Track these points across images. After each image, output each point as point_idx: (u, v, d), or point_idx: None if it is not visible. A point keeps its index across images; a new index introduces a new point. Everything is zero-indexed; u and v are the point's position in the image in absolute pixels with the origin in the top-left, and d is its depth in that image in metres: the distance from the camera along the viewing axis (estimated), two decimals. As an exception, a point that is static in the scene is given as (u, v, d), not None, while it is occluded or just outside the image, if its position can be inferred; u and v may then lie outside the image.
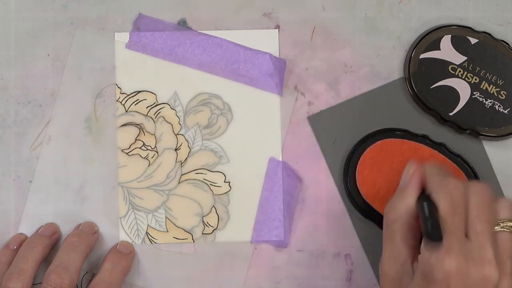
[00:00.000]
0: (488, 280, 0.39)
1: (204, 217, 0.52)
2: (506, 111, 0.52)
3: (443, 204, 0.41)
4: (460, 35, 0.52)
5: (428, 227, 0.40)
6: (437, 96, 0.52)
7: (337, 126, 0.53)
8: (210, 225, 0.52)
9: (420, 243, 0.43)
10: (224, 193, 0.53)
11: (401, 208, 0.44)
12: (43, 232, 0.51)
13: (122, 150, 0.52)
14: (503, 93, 0.52)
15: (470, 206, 0.42)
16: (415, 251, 0.43)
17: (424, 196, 0.44)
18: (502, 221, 0.42)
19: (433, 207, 0.42)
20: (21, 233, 0.52)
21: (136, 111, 0.53)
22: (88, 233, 0.50)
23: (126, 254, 0.51)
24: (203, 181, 0.52)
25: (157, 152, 0.53)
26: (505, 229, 0.42)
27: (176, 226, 0.52)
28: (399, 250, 0.43)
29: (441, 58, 0.52)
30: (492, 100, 0.52)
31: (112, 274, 0.48)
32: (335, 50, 0.53)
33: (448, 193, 0.42)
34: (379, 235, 0.52)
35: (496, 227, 0.42)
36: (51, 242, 0.50)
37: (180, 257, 0.52)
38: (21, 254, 0.48)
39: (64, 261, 0.47)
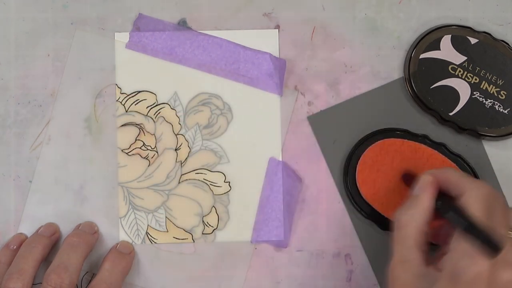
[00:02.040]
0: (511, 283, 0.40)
1: (204, 217, 0.52)
2: (506, 111, 0.52)
3: (478, 206, 0.41)
4: (460, 35, 0.52)
5: (481, 236, 0.40)
6: (437, 96, 0.52)
7: (337, 126, 0.53)
8: (210, 225, 0.52)
9: (426, 246, 0.43)
10: (224, 193, 0.53)
11: (415, 213, 0.44)
12: (43, 232, 0.51)
13: (122, 150, 0.53)
14: (503, 93, 0.52)
15: (494, 212, 0.42)
16: (427, 256, 0.43)
17: (444, 201, 0.44)
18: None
19: (462, 211, 0.42)
20: (21, 233, 0.52)
21: (136, 111, 0.53)
22: (88, 233, 0.50)
23: (126, 254, 0.51)
24: (203, 181, 0.52)
25: (157, 152, 0.53)
26: None
27: (176, 226, 0.52)
28: (413, 254, 0.42)
29: (441, 58, 0.52)
30: (492, 100, 0.52)
31: (112, 274, 0.48)
32: (335, 50, 0.53)
33: (480, 194, 0.42)
34: (379, 235, 0.52)
35: (510, 233, 0.42)
36: (51, 242, 0.50)
37: (180, 257, 0.52)
38: (21, 254, 0.48)
39: (64, 261, 0.47)
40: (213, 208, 0.52)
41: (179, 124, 0.53)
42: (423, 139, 0.52)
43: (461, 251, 0.41)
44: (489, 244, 0.40)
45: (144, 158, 0.53)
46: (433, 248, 0.45)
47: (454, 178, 0.44)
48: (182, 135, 0.53)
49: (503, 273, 0.40)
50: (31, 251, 0.48)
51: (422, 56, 0.52)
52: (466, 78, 0.52)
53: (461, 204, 0.42)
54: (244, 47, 0.53)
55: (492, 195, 0.42)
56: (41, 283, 0.47)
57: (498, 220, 0.42)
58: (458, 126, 0.52)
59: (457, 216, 0.42)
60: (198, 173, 0.53)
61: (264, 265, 0.52)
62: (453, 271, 0.40)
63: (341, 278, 0.52)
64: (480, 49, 0.52)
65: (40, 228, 0.51)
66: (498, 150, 0.53)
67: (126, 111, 0.53)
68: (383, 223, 0.51)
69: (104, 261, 0.49)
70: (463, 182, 0.43)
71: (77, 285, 0.50)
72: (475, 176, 0.52)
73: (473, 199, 0.42)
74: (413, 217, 0.44)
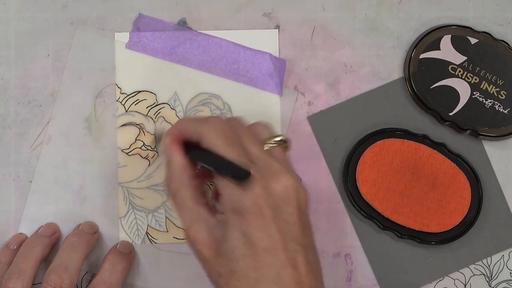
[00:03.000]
0: (289, 187, 0.41)
1: (204, 217, 0.52)
2: (506, 111, 0.52)
3: (217, 141, 0.42)
4: (460, 35, 0.52)
5: (229, 170, 0.40)
6: (437, 96, 0.52)
7: (337, 126, 0.53)
8: (210, 225, 0.52)
9: (204, 197, 0.44)
10: (224, 193, 0.52)
11: (176, 177, 0.44)
12: (43, 232, 0.51)
13: (122, 150, 0.52)
14: (503, 93, 0.52)
15: (239, 136, 0.43)
16: (209, 206, 0.43)
17: (193, 150, 0.44)
18: (266, 140, 0.44)
19: (208, 151, 0.42)
20: (21, 233, 0.52)
21: (136, 111, 0.53)
22: (88, 233, 0.50)
23: (126, 254, 0.51)
24: (203, 181, 0.52)
25: (157, 152, 0.53)
26: (273, 145, 0.44)
27: (176, 226, 0.52)
28: (197, 212, 0.43)
29: (441, 58, 0.52)
30: (492, 100, 0.52)
31: (112, 274, 0.48)
32: (335, 50, 0.53)
33: (215, 129, 0.42)
34: (379, 235, 0.52)
35: (265, 146, 0.43)
36: (51, 242, 0.50)
37: (180, 257, 0.52)
38: (21, 254, 0.48)
39: (64, 261, 0.47)
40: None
41: (179, 124, 0.53)
42: (423, 139, 0.52)
43: (228, 187, 0.41)
44: (238, 174, 0.40)
45: (144, 158, 0.53)
46: None
47: (190, 126, 0.44)
48: (182, 135, 0.53)
49: (274, 184, 0.41)
50: (31, 251, 0.48)
51: (422, 56, 0.52)
52: (466, 78, 0.52)
53: (205, 146, 0.42)
54: (244, 47, 0.53)
55: (225, 124, 0.43)
56: (41, 283, 0.47)
57: (245, 142, 0.43)
58: (458, 126, 0.52)
59: (203, 159, 0.43)
60: (198, 173, 0.52)
61: (264, 265, 0.52)
62: (233, 207, 0.41)
63: (341, 278, 0.52)
64: (480, 49, 0.52)
65: (40, 228, 0.51)
66: (498, 150, 0.53)
67: (126, 111, 0.53)
68: (383, 223, 0.51)
69: (104, 261, 0.49)
70: (197, 126, 0.44)
71: (77, 285, 0.50)
72: (475, 176, 0.52)
73: (209, 137, 0.42)
74: (176, 181, 0.44)
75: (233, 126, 0.44)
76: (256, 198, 0.40)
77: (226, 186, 0.41)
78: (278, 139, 0.44)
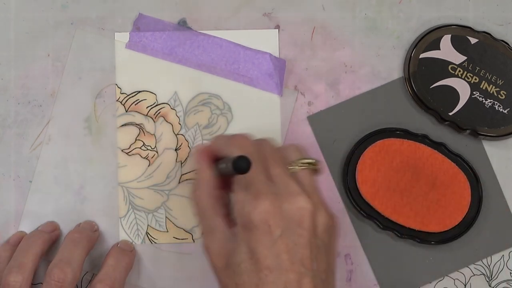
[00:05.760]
0: (303, 209, 0.41)
1: (204, 217, 0.52)
2: (505, 111, 0.52)
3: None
4: (460, 35, 0.52)
5: (231, 164, 0.39)
6: (437, 95, 0.52)
7: (337, 126, 0.53)
8: (210, 225, 0.52)
9: (225, 208, 0.45)
10: (224, 193, 0.53)
11: (201, 185, 0.45)
12: (43, 228, 0.51)
13: (122, 150, 0.52)
14: (503, 93, 0.52)
15: (264, 156, 0.44)
16: (228, 218, 0.44)
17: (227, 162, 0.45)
18: (294, 162, 0.44)
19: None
20: (21, 231, 0.51)
21: (136, 111, 0.53)
22: (89, 230, 0.50)
23: (128, 251, 0.51)
24: (203, 181, 0.52)
25: (157, 152, 0.53)
26: (301, 167, 0.44)
27: (176, 226, 0.52)
28: (214, 222, 0.44)
29: (441, 57, 0.52)
30: (491, 100, 0.52)
31: (116, 269, 0.48)
32: (335, 50, 0.53)
33: (240, 148, 0.43)
34: (379, 235, 0.52)
35: (292, 168, 0.44)
36: (51, 238, 0.50)
37: (180, 257, 0.52)
38: (21, 249, 0.48)
39: (66, 256, 0.47)
40: (213, 208, 0.52)
41: (179, 124, 0.53)
42: (423, 139, 0.52)
43: (241, 201, 0.42)
44: (238, 163, 0.39)
45: (144, 158, 0.53)
46: None
47: (219, 143, 0.46)
48: (182, 135, 0.53)
49: (287, 204, 0.41)
50: (31, 245, 0.48)
51: (422, 56, 0.52)
52: (466, 78, 0.52)
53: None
54: (244, 47, 0.53)
55: (252, 144, 0.44)
56: (41, 283, 0.47)
57: (269, 163, 0.43)
58: (458, 126, 0.52)
59: (222, 166, 0.44)
60: (198, 173, 0.52)
61: (264, 265, 0.52)
62: (243, 221, 0.41)
63: (341, 278, 0.52)
64: (480, 49, 0.52)
65: (40, 226, 0.51)
66: (498, 150, 0.53)
67: (126, 111, 0.53)
68: (383, 223, 0.51)
69: (107, 257, 0.49)
70: (225, 144, 0.45)
71: (77, 285, 0.50)
72: (475, 176, 0.52)
73: (233, 153, 0.43)
74: (200, 190, 0.45)
75: (259, 146, 0.44)
76: (265, 214, 0.40)
77: (238, 200, 0.42)
78: (305, 161, 0.44)
